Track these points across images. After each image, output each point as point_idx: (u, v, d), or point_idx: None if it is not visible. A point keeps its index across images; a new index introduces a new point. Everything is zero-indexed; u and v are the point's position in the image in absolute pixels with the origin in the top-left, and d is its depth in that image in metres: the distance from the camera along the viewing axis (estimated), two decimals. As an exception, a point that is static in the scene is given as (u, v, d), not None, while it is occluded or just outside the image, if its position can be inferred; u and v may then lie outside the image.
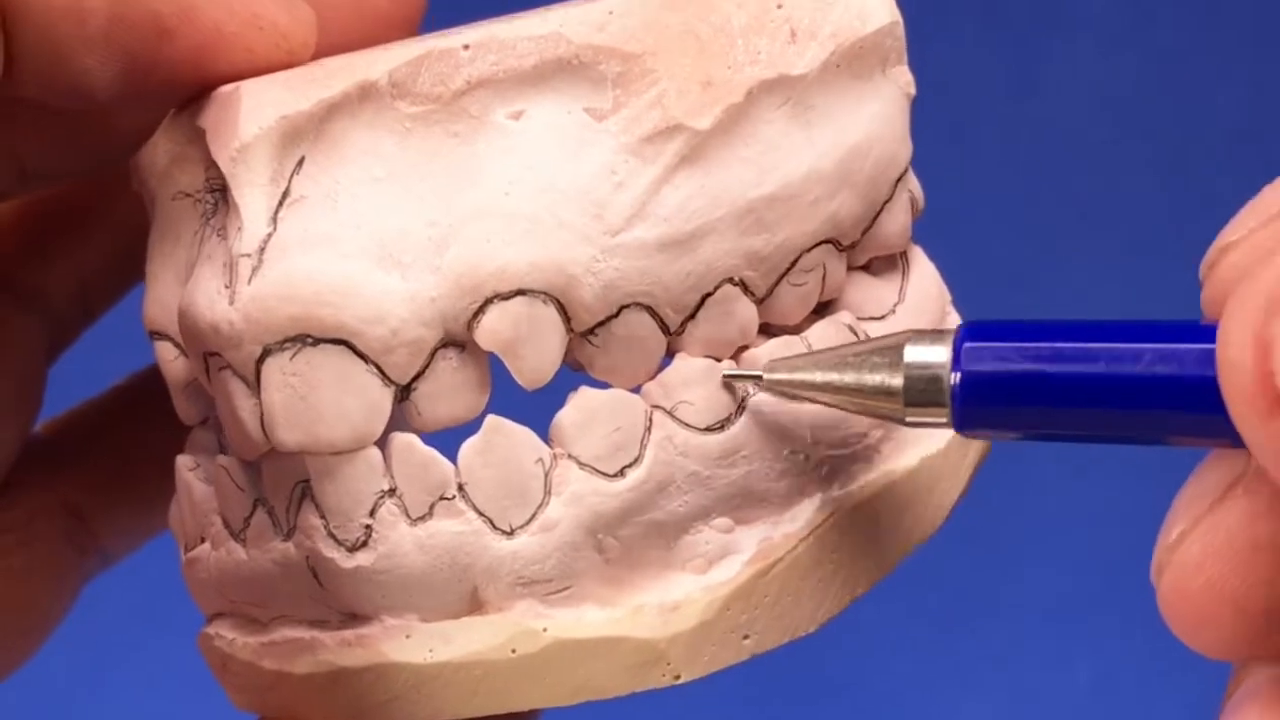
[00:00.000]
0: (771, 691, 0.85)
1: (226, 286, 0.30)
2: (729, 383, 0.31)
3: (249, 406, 0.30)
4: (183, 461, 0.33)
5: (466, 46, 0.30)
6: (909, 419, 0.29)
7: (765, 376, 0.31)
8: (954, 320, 0.35)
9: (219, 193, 0.30)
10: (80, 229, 0.39)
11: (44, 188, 0.37)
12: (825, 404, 0.30)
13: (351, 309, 0.29)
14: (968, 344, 0.28)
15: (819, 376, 0.30)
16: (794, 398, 0.31)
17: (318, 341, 0.29)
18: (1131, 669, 0.84)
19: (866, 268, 0.34)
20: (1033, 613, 0.87)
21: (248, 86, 0.30)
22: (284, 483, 0.31)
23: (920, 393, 0.28)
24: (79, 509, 0.39)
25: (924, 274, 0.34)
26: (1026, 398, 0.28)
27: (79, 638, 0.45)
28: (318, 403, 0.29)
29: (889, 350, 0.29)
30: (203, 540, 0.33)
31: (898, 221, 0.33)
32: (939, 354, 0.28)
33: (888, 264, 0.34)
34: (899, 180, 0.33)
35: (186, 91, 0.31)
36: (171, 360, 0.32)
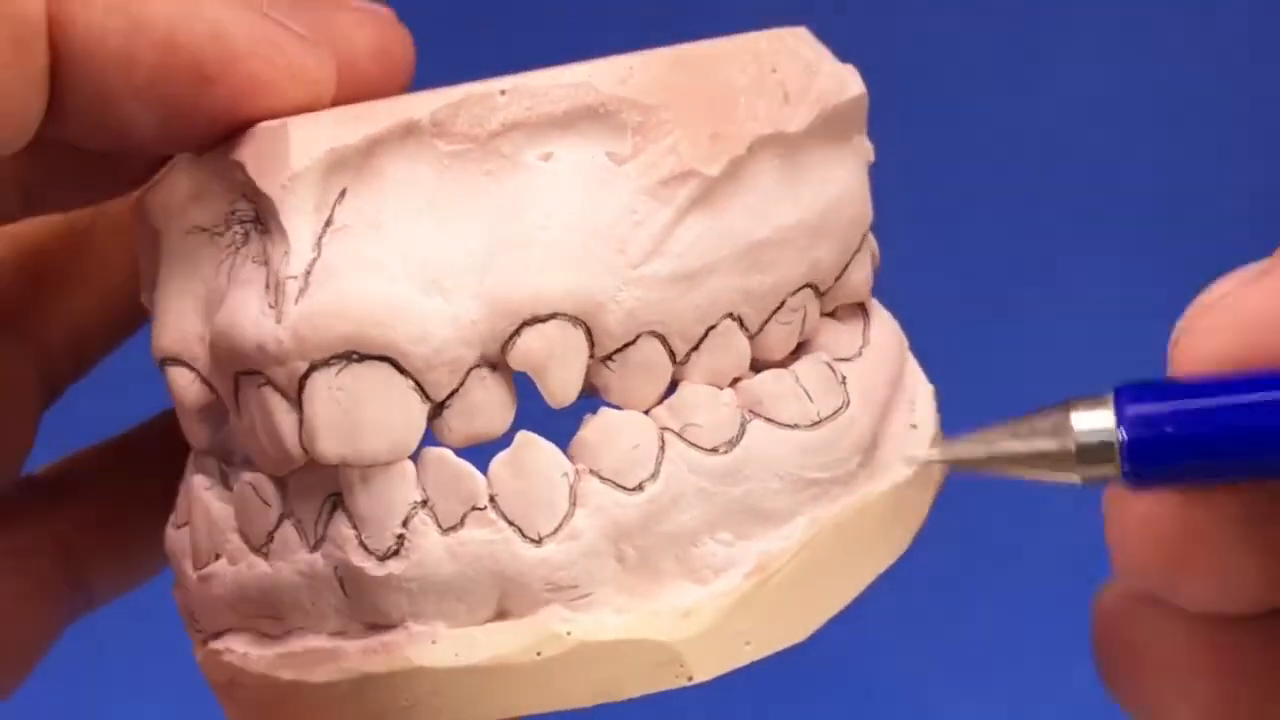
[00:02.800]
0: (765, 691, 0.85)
1: (272, 307, 0.31)
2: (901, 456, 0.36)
3: (289, 421, 0.32)
4: (199, 482, 0.34)
5: (503, 92, 0.32)
6: (1082, 479, 0.32)
7: (945, 457, 0.35)
8: (914, 364, 0.39)
9: (251, 224, 0.32)
10: (75, 272, 0.40)
11: (40, 213, 0.38)
12: (1000, 473, 0.33)
13: (401, 328, 0.31)
14: (1130, 409, 0.31)
15: (994, 450, 0.33)
16: (974, 470, 0.34)
17: (364, 358, 0.31)
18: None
19: (833, 314, 0.37)
20: (1030, 612, 0.87)
21: (295, 122, 0.32)
22: (314, 495, 0.33)
23: (1091, 455, 0.32)
24: (72, 547, 0.40)
25: (883, 321, 0.38)
26: (1192, 454, 0.31)
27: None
28: (361, 416, 0.31)
29: (1054, 417, 0.32)
30: (217, 557, 0.34)
31: (863, 272, 0.37)
32: (1104, 419, 0.31)
33: (851, 312, 0.37)
34: (864, 236, 0.36)
35: (219, 135, 0.33)
36: (188, 385, 0.34)
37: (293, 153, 0.31)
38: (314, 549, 0.33)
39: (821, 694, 0.87)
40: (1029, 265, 0.90)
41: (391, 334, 0.31)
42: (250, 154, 0.32)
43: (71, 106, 0.32)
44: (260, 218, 0.32)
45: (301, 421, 0.32)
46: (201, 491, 0.34)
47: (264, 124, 0.32)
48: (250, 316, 0.32)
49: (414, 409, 0.32)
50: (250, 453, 0.33)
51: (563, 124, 0.32)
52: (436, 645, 0.32)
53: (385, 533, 0.32)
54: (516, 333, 0.32)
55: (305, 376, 0.31)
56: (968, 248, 0.89)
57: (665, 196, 0.32)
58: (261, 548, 0.33)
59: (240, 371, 0.32)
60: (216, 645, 0.34)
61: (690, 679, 0.33)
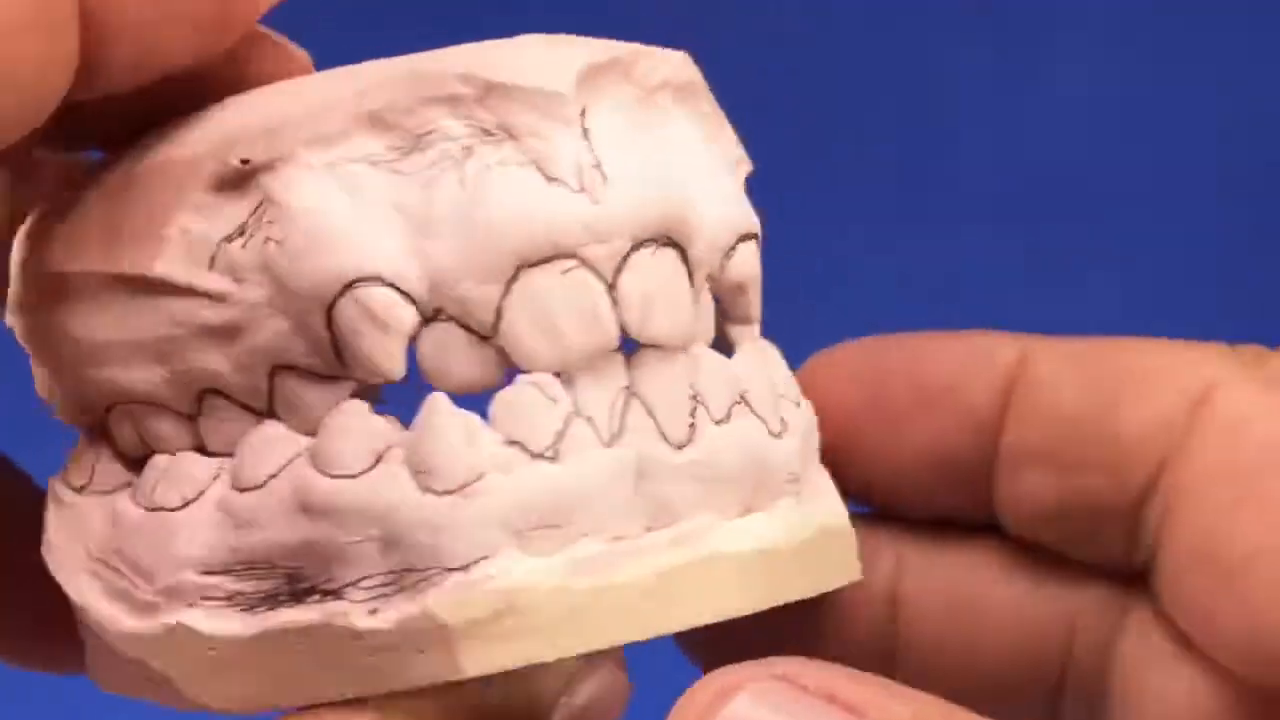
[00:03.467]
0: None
1: (577, 192, 0.31)
2: None
3: (605, 302, 0.32)
4: (442, 403, 0.32)
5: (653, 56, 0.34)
6: None
7: None
8: None
9: (476, 137, 0.32)
10: None
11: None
12: None
13: (692, 221, 0.33)
14: None
15: None
16: None
17: (665, 244, 0.32)
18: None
19: None
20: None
21: (521, 43, 0.33)
22: (608, 387, 0.32)
23: None
24: None
25: None
26: None
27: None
28: (671, 297, 0.32)
29: None
30: (480, 477, 0.31)
31: None
32: None
33: None
34: None
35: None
36: (392, 305, 0.31)
37: (557, 63, 0.32)
38: (610, 443, 0.32)
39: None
40: (1028, 265, 0.90)
41: (686, 225, 0.32)
42: (498, 68, 0.32)
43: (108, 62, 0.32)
44: (496, 127, 0.32)
45: (616, 302, 0.32)
46: (448, 416, 0.32)
47: (479, 49, 0.33)
48: (554, 202, 0.31)
49: (690, 297, 0.33)
50: (520, 354, 0.32)
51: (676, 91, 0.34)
52: (726, 532, 0.33)
53: (681, 421, 0.32)
54: (733, 248, 0.34)
55: (626, 256, 0.32)
56: (966, 248, 0.89)
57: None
58: (545, 450, 0.32)
59: (528, 264, 0.31)
60: (476, 574, 0.31)
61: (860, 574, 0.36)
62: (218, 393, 0.32)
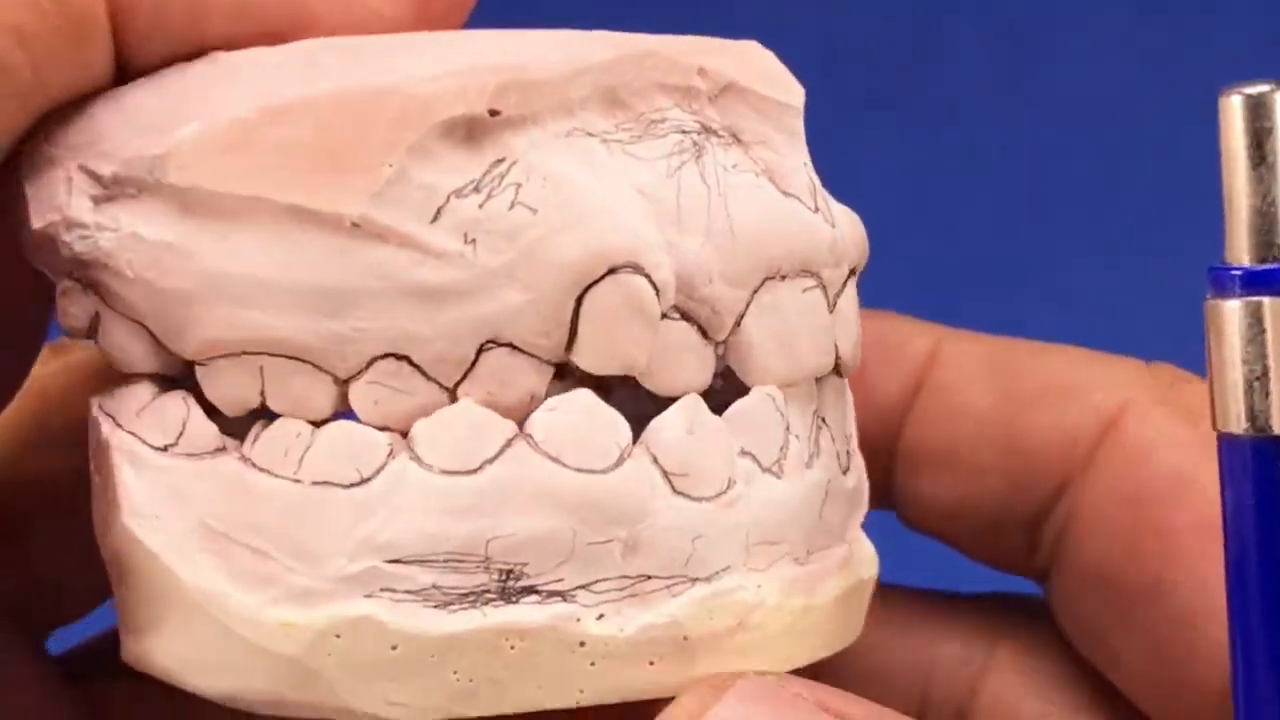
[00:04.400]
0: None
1: (814, 211, 0.31)
2: None
3: (826, 323, 0.31)
4: (694, 403, 0.31)
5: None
6: None
7: None
8: None
9: (700, 134, 0.30)
10: None
11: None
12: None
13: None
14: None
15: None
16: None
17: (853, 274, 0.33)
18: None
19: None
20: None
21: (750, 47, 0.32)
22: (806, 409, 0.31)
23: None
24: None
25: None
26: None
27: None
28: (856, 327, 0.33)
29: None
30: (731, 484, 0.30)
31: None
32: None
33: None
34: None
35: None
36: (643, 288, 0.29)
37: (788, 76, 0.31)
38: (809, 465, 0.31)
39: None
40: (1029, 265, 0.90)
41: (865, 260, 0.33)
42: (738, 67, 0.31)
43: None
44: (722, 129, 0.30)
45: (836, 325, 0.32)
46: (712, 420, 0.30)
47: (704, 42, 0.31)
48: (801, 219, 0.31)
49: None
50: (752, 364, 0.30)
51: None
52: (864, 559, 0.33)
53: (844, 449, 0.32)
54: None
55: (845, 283, 0.32)
56: (966, 247, 0.89)
57: None
58: (772, 466, 0.31)
59: (776, 276, 0.30)
60: (718, 586, 0.30)
61: None
62: (401, 358, 0.29)
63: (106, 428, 0.30)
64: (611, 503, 0.29)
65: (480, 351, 0.29)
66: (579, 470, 0.29)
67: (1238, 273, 0.28)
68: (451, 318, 0.29)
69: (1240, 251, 0.28)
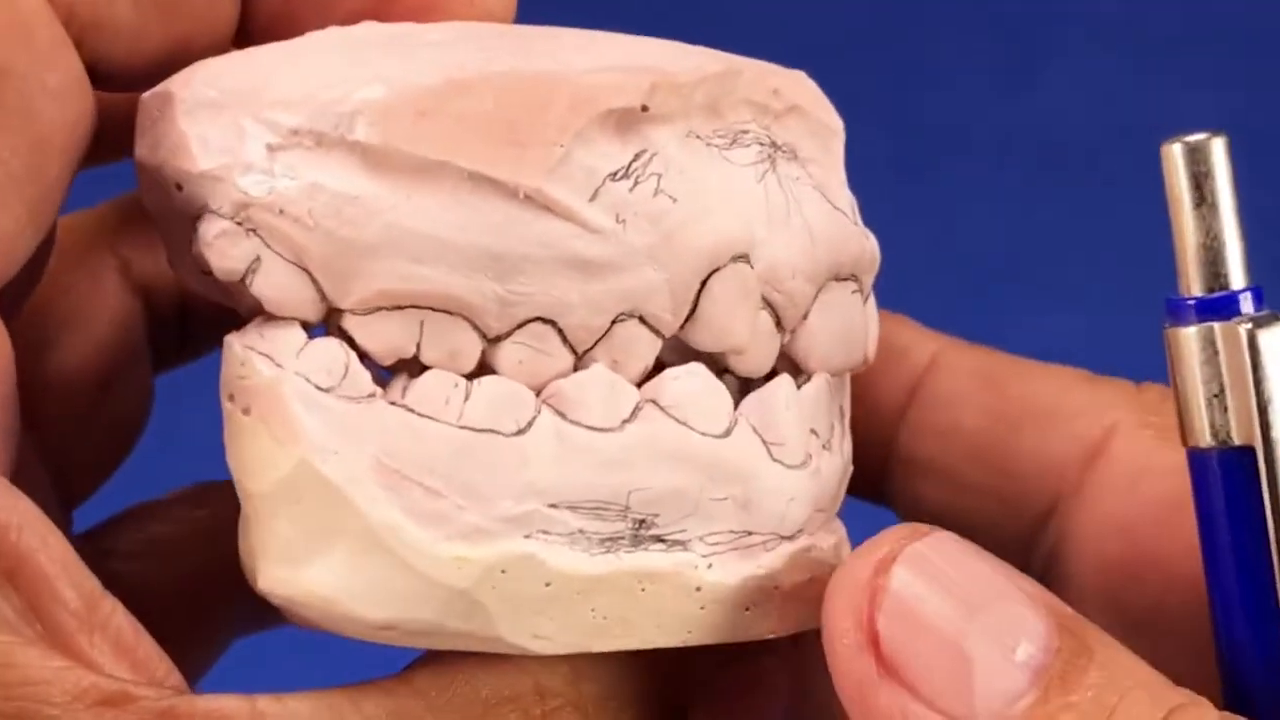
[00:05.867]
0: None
1: (855, 224, 0.34)
2: None
3: (863, 324, 0.35)
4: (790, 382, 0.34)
5: None
6: None
7: None
8: None
9: (770, 147, 0.33)
10: None
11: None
12: None
13: None
14: None
15: None
16: None
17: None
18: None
19: None
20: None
21: (784, 71, 0.34)
22: (840, 397, 0.35)
23: None
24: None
25: None
26: None
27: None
28: None
29: None
30: (810, 457, 0.34)
31: None
32: None
33: None
34: None
35: None
36: (751, 278, 0.33)
37: (828, 103, 0.34)
38: (841, 446, 0.35)
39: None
40: (1028, 265, 0.90)
41: None
42: (798, 91, 0.34)
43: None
44: (785, 146, 0.33)
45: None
46: (796, 396, 0.34)
47: (760, 65, 0.33)
48: (852, 230, 0.34)
49: None
50: (810, 353, 0.34)
51: None
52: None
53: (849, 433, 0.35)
54: None
55: (870, 291, 0.35)
56: (965, 247, 0.89)
57: None
58: (827, 443, 0.34)
59: (836, 278, 0.34)
60: (800, 544, 0.33)
61: None
62: (549, 322, 0.31)
63: (267, 366, 0.31)
64: (732, 464, 0.32)
65: (614, 322, 0.31)
66: (703, 434, 0.32)
67: (1191, 302, 0.31)
68: (598, 289, 0.31)
69: (1191, 283, 0.31)
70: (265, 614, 0.37)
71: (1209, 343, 0.31)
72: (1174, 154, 0.31)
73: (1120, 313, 0.92)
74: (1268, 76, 0.93)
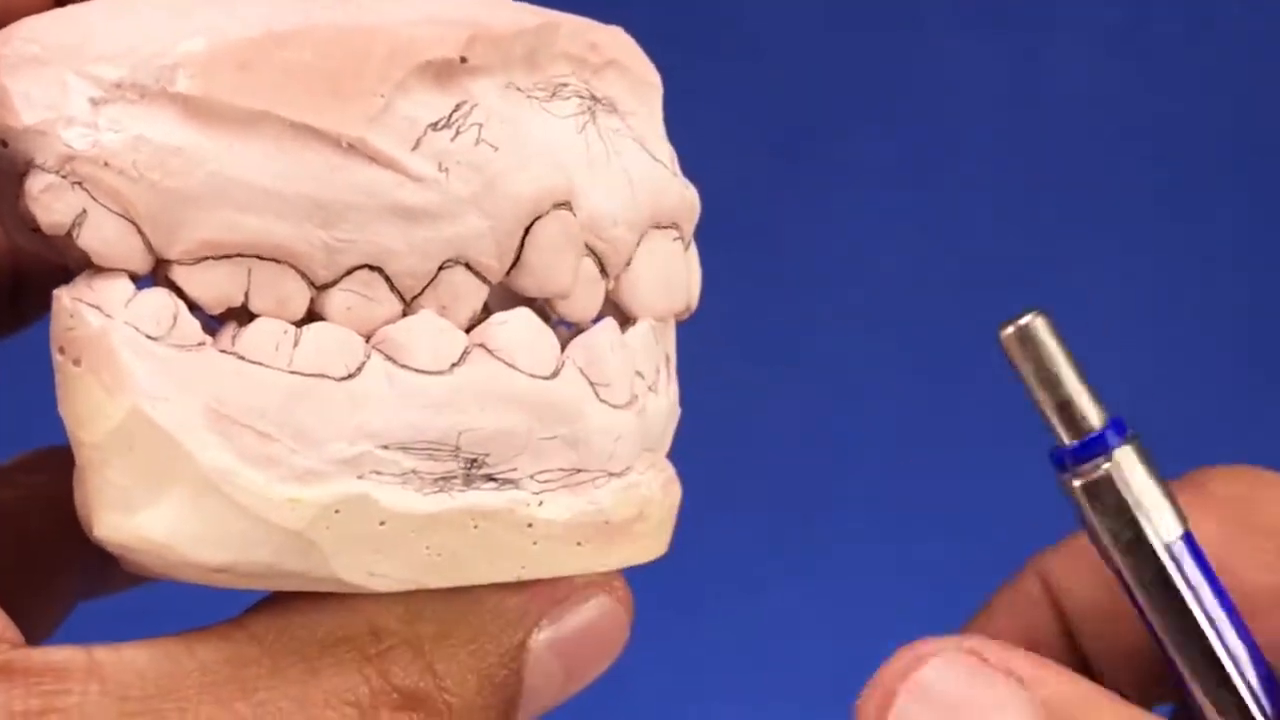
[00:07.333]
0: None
1: (674, 175, 0.35)
2: None
3: (684, 271, 0.36)
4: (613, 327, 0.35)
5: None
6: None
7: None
8: None
9: (590, 100, 0.34)
10: None
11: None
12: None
13: None
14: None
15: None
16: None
17: None
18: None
19: None
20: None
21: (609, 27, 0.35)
22: (664, 341, 0.36)
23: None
24: None
25: None
26: None
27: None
28: None
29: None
30: (636, 398, 0.35)
31: None
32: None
33: None
34: None
35: None
36: (578, 224, 0.34)
37: (647, 60, 0.35)
38: (654, 388, 0.36)
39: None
40: (1028, 265, 0.90)
41: None
42: (616, 46, 0.35)
43: None
44: (604, 99, 0.35)
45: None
46: (619, 340, 0.35)
47: (579, 20, 0.34)
48: (671, 180, 0.35)
49: None
50: (636, 299, 0.35)
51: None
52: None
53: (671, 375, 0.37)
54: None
55: (690, 240, 0.36)
56: (966, 247, 0.90)
57: None
58: (651, 385, 0.35)
59: (658, 226, 0.35)
60: (629, 480, 0.35)
61: None
62: (375, 269, 0.32)
63: (96, 317, 0.31)
64: (559, 404, 0.33)
65: (440, 269, 0.32)
66: (532, 376, 0.33)
67: (1068, 451, 0.36)
68: (423, 236, 0.32)
69: (1063, 437, 0.36)
70: (107, 577, 0.38)
71: (1098, 483, 0.36)
72: (1009, 337, 0.35)
73: (1120, 313, 0.92)
74: (1267, 76, 0.93)
